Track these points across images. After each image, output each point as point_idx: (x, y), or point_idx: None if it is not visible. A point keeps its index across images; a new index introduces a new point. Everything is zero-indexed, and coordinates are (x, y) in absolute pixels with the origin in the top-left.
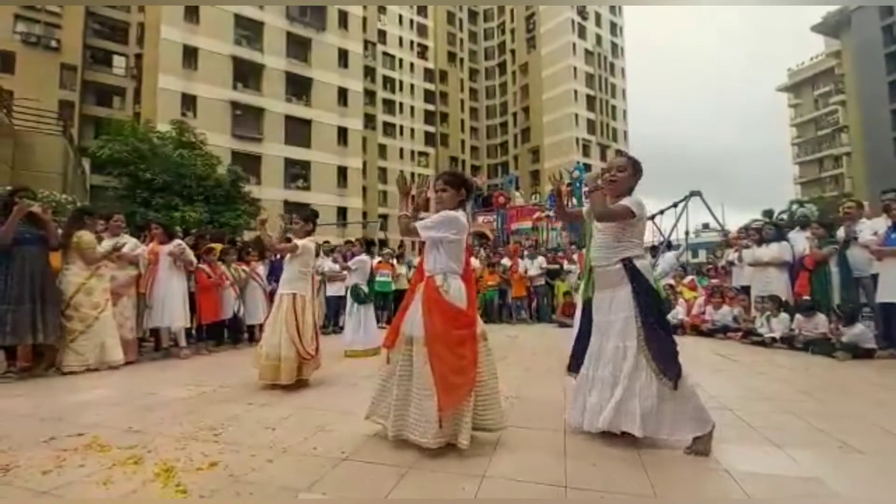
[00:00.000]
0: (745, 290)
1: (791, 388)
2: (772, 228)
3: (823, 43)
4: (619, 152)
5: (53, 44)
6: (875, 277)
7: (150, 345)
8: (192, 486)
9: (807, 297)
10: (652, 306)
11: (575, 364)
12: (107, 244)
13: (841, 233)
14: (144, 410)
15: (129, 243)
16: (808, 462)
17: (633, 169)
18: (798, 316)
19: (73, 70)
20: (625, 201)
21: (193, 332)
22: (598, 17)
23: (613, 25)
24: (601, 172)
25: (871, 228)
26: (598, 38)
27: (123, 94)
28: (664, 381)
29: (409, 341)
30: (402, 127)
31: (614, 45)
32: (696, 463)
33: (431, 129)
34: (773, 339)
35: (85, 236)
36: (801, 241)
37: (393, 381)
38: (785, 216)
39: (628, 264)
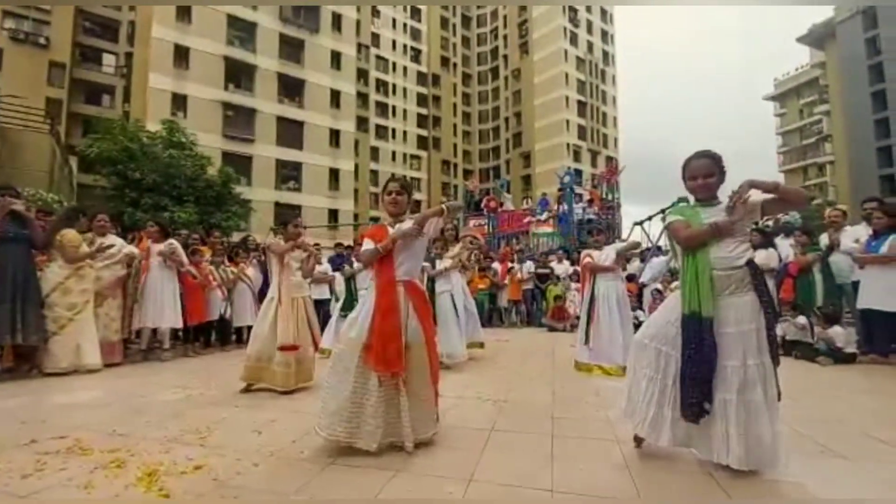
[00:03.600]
0: None
1: None
2: (758, 235)
3: (808, 54)
4: (609, 159)
5: (42, 41)
6: (856, 284)
7: (136, 346)
8: (176, 490)
9: (799, 303)
10: (772, 319)
11: (697, 405)
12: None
13: (825, 240)
14: (129, 413)
15: (115, 244)
16: (790, 466)
17: (720, 168)
18: (782, 318)
19: (61, 67)
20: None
21: (180, 333)
22: (589, 24)
23: (604, 33)
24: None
25: (851, 236)
26: (590, 46)
27: (113, 92)
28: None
29: (405, 349)
30: (394, 130)
31: (605, 53)
32: (680, 466)
33: (424, 132)
34: None
35: (69, 234)
36: (785, 248)
37: (395, 396)
38: (771, 223)
39: (753, 267)
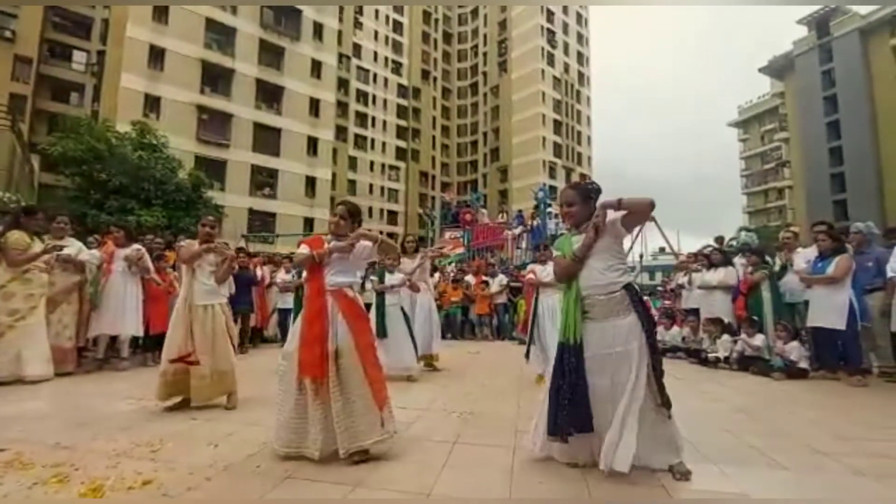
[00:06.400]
0: (695, 311)
1: (729, 406)
2: (719, 254)
3: (769, 84)
4: (582, 176)
5: (8, 34)
6: (808, 303)
7: (93, 354)
8: None
9: (754, 318)
10: (654, 334)
11: (576, 422)
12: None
13: (779, 260)
14: (77, 425)
15: (73, 248)
16: (738, 477)
17: (582, 198)
18: (743, 334)
19: (27, 63)
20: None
21: (140, 342)
22: (566, 46)
23: (580, 55)
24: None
25: (803, 258)
26: (566, 67)
27: (82, 90)
28: (663, 411)
29: (336, 355)
30: (373, 140)
31: (581, 75)
32: (632, 478)
33: (403, 143)
34: (718, 360)
35: (12, 236)
36: (741, 267)
37: (329, 403)
38: (734, 243)
39: (631, 290)
